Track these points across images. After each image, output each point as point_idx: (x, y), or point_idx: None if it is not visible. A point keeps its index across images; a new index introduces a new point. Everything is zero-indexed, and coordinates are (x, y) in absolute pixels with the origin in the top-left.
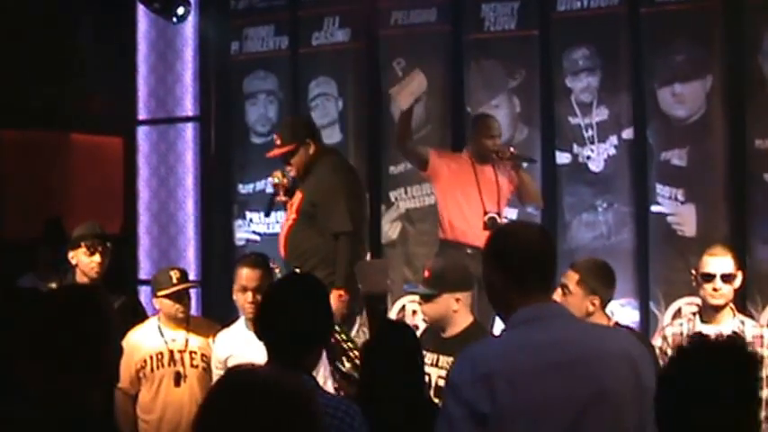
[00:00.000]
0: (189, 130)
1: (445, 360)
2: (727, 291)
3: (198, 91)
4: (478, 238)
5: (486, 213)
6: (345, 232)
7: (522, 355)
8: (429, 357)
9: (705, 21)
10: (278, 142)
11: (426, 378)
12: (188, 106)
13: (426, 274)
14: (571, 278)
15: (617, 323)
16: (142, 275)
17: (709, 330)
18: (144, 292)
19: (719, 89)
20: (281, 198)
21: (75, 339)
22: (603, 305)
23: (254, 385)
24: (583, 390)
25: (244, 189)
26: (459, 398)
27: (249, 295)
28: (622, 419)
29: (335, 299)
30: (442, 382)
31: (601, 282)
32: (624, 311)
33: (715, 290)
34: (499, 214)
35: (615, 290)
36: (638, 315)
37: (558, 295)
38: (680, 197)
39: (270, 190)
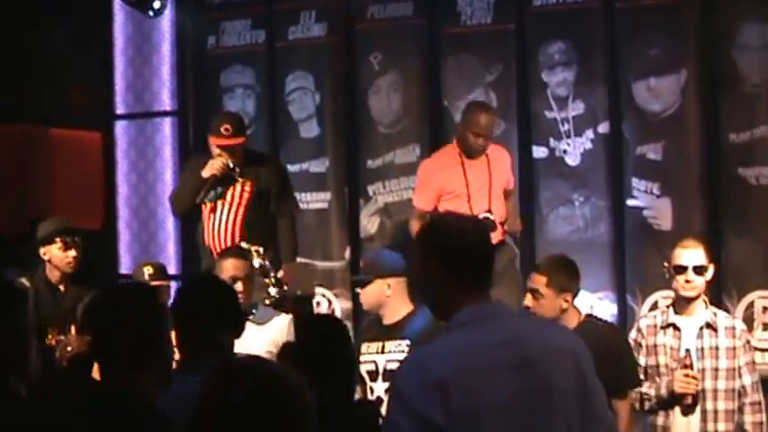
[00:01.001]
0: (167, 125)
1: (391, 344)
2: (699, 282)
3: (175, 85)
4: None
5: (474, 216)
6: (294, 213)
7: (472, 359)
8: (374, 346)
9: (680, 15)
10: (230, 131)
11: (373, 365)
12: (166, 101)
13: (362, 264)
14: (539, 281)
15: (588, 315)
16: (123, 270)
17: (682, 322)
18: None
19: (694, 83)
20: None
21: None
22: (574, 299)
23: (253, 374)
24: (532, 390)
25: None
26: (407, 408)
27: (239, 285)
28: (567, 417)
29: (287, 272)
30: (390, 366)
31: (568, 278)
32: (601, 305)
33: (687, 281)
34: (491, 212)
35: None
36: (616, 308)
37: (528, 300)
38: (656, 191)
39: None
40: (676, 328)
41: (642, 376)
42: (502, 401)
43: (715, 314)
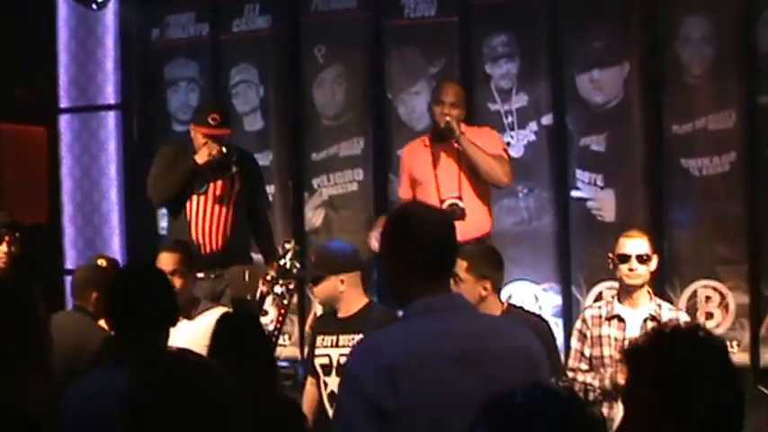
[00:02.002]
0: (111, 119)
1: (345, 338)
2: (642, 271)
3: (119, 78)
4: None
5: (442, 202)
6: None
7: (425, 347)
8: (328, 339)
9: (623, 7)
10: (218, 121)
11: (327, 359)
12: (110, 94)
13: (313, 258)
14: (460, 266)
15: (511, 304)
16: (68, 265)
17: (627, 313)
18: (70, 283)
19: (637, 75)
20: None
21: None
22: (495, 289)
23: (181, 366)
24: (484, 383)
25: None
26: (358, 391)
27: (174, 280)
28: None
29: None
30: (344, 360)
31: (489, 266)
32: (546, 296)
33: (631, 270)
34: (461, 198)
35: (504, 272)
36: (560, 299)
37: (450, 284)
38: (599, 182)
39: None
40: (621, 319)
41: (587, 366)
42: (453, 391)
43: (659, 306)
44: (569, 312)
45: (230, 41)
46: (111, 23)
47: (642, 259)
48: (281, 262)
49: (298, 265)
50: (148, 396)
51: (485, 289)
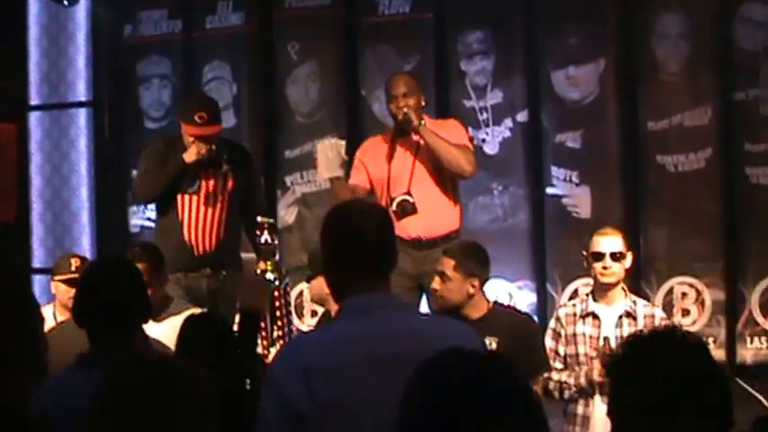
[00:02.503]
0: (82, 116)
1: None
2: (617, 269)
3: (91, 75)
4: (401, 229)
5: (392, 200)
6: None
7: (346, 349)
8: None
9: (599, 4)
10: (205, 119)
11: None
12: (81, 91)
13: (307, 256)
14: (447, 264)
15: (497, 303)
16: (36, 264)
17: (602, 311)
18: (38, 282)
19: (613, 72)
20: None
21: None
22: (482, 286)
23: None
24: (402, 387)
25: None
26: (275, 393)
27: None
28: None
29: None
30: None
31: (477, 263)
32: (521, 294)
33: (605, 268)
34: (409, 193)
35: (490, 269)
36: (535, 297)
37: (436, 283)
38: (574, 179)
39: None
40: (595, 317)
41: (562, 365)
42: (372, 397)
43: (634, 302)
44: (544, 310)
45: (203, 38)
46: (82, 20)
47: (616, 257)
48: (261, 240)
49: (275, 241)
50: (118, 398)
51: (473, 287)
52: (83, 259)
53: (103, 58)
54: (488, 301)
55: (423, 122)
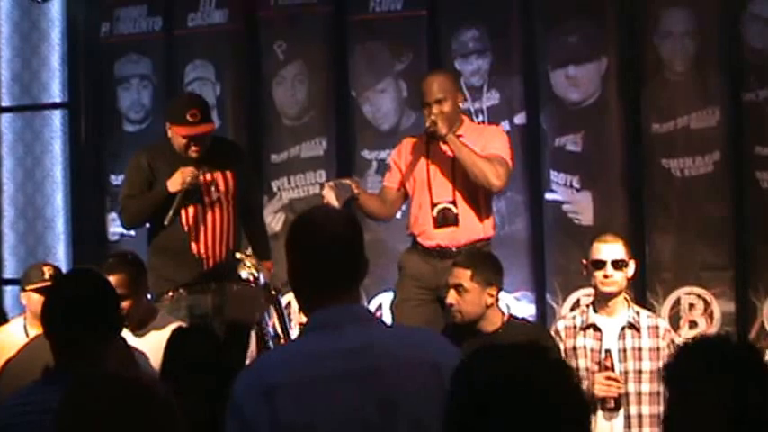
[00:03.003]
0: (56, 118)
1: None
2: (618, 278)
3: (66, 76)
4: (429, 237)
5: (434, 206)
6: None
7: (308, 366)
8: None
9: (600, 0)
10: (198, 117)
11: None
12: (55, 92)
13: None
14: (462, 275)
15: (511, 316)
16: (6, 275)
17: (603, 322)
18: (9, 293)
19: (615, 71)
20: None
21: None
22: (498, 294)
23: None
24: (373, 403)
25: (117, 180)
26: (236, 413)
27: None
28: None
29: (267, 271)
30: None
31: (494, 270)
32: (520, 305)
33: (606, 277)
34: (454, 203)
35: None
36: (535, 308)
37: (452, 298)
38: (575, 184)
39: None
40: (596, 328)
41: None
42: (337, 414)
43: (638, 313)
44: (544, 321)
45: (185, 37)
46: (56, 17)
47: (618, 265)
48: (242, 275)
49: (260, 274)
50: (76, 416)
51: (491, 296)
52: (56, 268)
53: (79, 57)
54: (503, 312)
55: (452, 132)
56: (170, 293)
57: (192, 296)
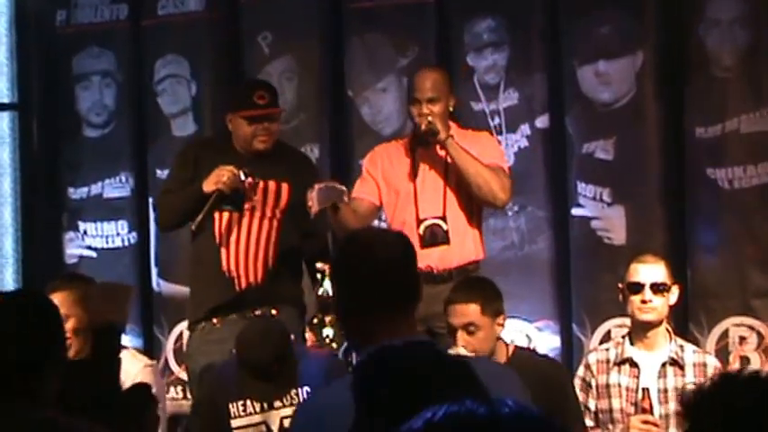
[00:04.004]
0: (4, 121)
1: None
2: (658, 304)
3: (15, 72)
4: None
5: (420, 222)
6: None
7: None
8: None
9: None
10: (266, 100)
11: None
12: (2, 91)
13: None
14: (472, 312)
15: (517, 347)
16: None
17: (641, 357)
18: None
19: (653, 67)
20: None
21: None
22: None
23: None
24: None
25: (76, 194)
26: None
27: (70, 323)
28: None
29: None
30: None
31: (498, 296)
32: (542, 336)
33: (644, 302)
34: (444, 219)
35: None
36: (559, 340)
37: (462, 341)
38: (606, 198)
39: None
40: (633, 364)
41: (593, 423)
42: None
43: (681, 347)
44: (570, 356)
45: (154, 27)
46: (4, 4)
47: (658, 289)
48: (320, 291)
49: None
50: None
51: (500, 325)
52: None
53: (31, 50)
54: (506, 344)
55: (450, 135)
56: (202, 324)
57: (225, 326)
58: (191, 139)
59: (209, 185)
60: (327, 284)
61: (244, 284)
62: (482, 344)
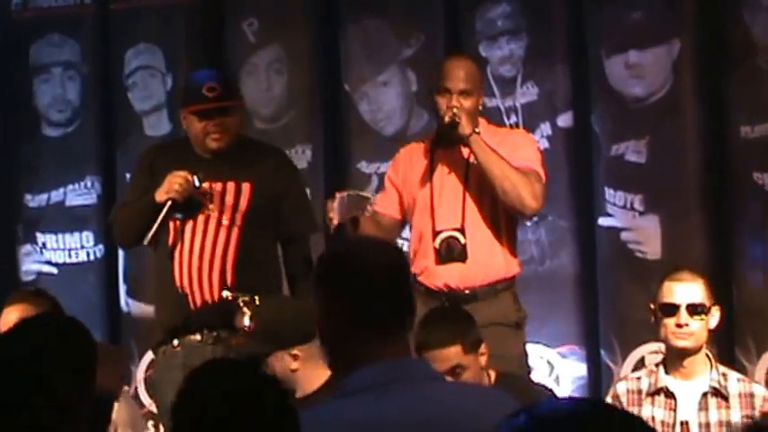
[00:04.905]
0: None
1: None
2: (696, 328)
3: None
4: (432, 276)
5: (435, 234)
6: (310, 234)
7: None
8: None
9: None
10: (217, 92)
11: None
12: None
13: (247, 324)
14: (454, 354)
15: (500, 374)
16: None
17: (678, 387)
18: None
19: (691, 57)
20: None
21: None
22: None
23: None
24: None
25: (34, 201)
26: None
27: None
28: None
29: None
30: None
31: (472, 324)
32: (565, 363)
33: (680, 326)
34: (463, 231)
35: None
36: (585, 368)
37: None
38: (638, 206)
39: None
40: (669, 395)
41: None
42: None
43: (724, 376)
44: (597, 386)
45: (125, 13)
46: None
47: (695, 311)
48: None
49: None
50: None
51: (483, 355)
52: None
53: None
54: (487, 372)
55: (476, 131)
56: (163, 347)
57: (185, 350)
58: (166, 140)
59: (160, 195)
60: (246, 320)
61: (198, 302)
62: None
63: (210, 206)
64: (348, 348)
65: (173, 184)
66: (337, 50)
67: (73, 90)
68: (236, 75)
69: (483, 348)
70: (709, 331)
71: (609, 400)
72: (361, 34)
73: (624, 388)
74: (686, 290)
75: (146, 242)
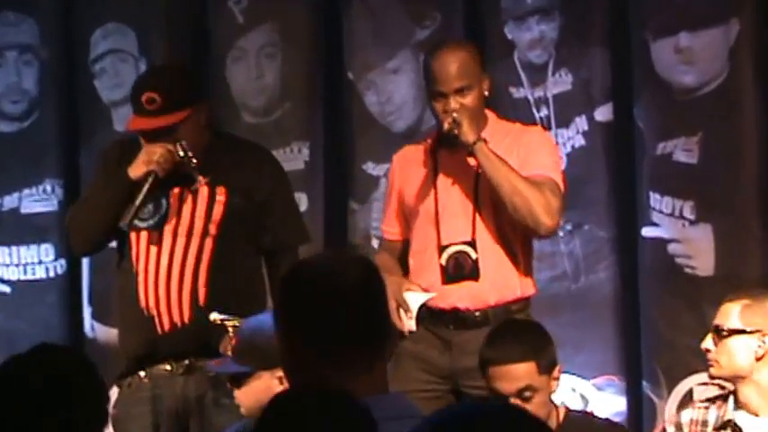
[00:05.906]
0: None
1: None
2: None
3: None
4: (438, 296)
5: (442, 249)
6: (299, 245)
7: None
8: None
9: None
10: (158, 103)
11: None
12: None
13: (233, 343)
14: (528, 373)
15: (568, 410)
16: None
17: (748, 422)
18: None
19: (751, 41)
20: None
21: None
22: None
23: None
24: None
25: None
26: None
27: None
28: None
29: None
30: None
31: (549, 343)
32: (602, 396)
33: None
34: (474, 244)
35: None
36: (625, 402)
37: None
38: (688, 213)
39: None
40: (737, 429)
41: None
42: None
43: None
44: (638, 423)
45: None
46: None
47: None
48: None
49: None
50: None
51: (556, 380)
52: None
53: None
54: (556, 406)
55: (481, 138)
56: (128, 378)
57: (152, 382)
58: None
59: (137, 169)
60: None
61: (167, 326)
62: (539, 409)
63: (201, 178)
64: (310, 378)
65: (152, 155)
66: (340, 32)
67: (30, 78)
68: (220, 61)
69: (557, 372)
70: None
71: (671, 428)
72: (367, 14)
73: (688, 417)
74: None
75: (123, 223)
